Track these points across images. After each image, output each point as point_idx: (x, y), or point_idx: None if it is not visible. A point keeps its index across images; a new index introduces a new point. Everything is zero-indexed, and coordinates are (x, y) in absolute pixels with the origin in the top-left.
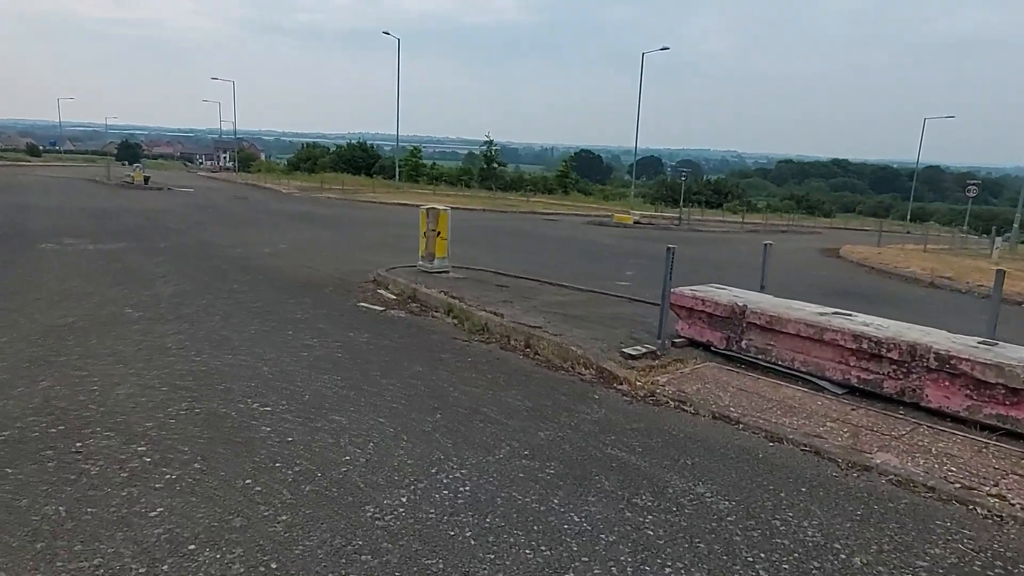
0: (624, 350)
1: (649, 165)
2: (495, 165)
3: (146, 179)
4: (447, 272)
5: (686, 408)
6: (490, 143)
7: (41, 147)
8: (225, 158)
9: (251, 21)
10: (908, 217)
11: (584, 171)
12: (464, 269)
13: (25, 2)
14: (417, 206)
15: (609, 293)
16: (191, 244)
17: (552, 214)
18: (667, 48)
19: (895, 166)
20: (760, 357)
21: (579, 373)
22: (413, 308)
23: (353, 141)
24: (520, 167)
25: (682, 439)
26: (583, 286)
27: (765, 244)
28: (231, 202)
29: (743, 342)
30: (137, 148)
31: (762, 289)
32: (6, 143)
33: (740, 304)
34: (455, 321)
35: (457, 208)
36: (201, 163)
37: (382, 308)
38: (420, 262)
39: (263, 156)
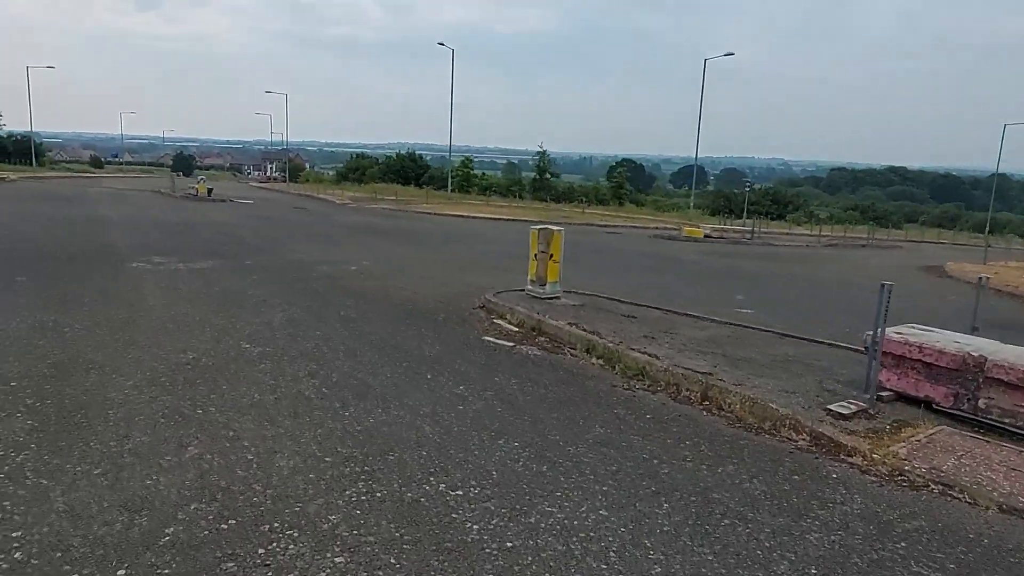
0: (830, 407)
1: (692, 174)
2: (548, 175)
3: (209, 191)
4: (558, 298)
5: (956, 495)
6: (543, 153)
7: (103, 159)
8: (272, 168)
9: (290, 36)
10: (987, 229)
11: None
12: (574, 294)
13: (85, 21)
14: (474, 217)
15: (754, 327)
16: (276, 262)
17: (612, 226)
18: (731, 54)
19: (954, 173)
20: (1007, 422)
21: (788, 438)
22: (543, 343)
23: (402, 152)
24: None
25: (992, 550)
26: (714, 316)
27: (980, 278)
28: (293, 214)
29: (979, 401)
30: (190, 160)
31: (974, 331)
32: (70, 155)
33: (975, 354)
34: (602, 362)
35: (514, 220)
36: (250, 173)
37: (511, 344)
38: (529, 286)
39: (308, 166)
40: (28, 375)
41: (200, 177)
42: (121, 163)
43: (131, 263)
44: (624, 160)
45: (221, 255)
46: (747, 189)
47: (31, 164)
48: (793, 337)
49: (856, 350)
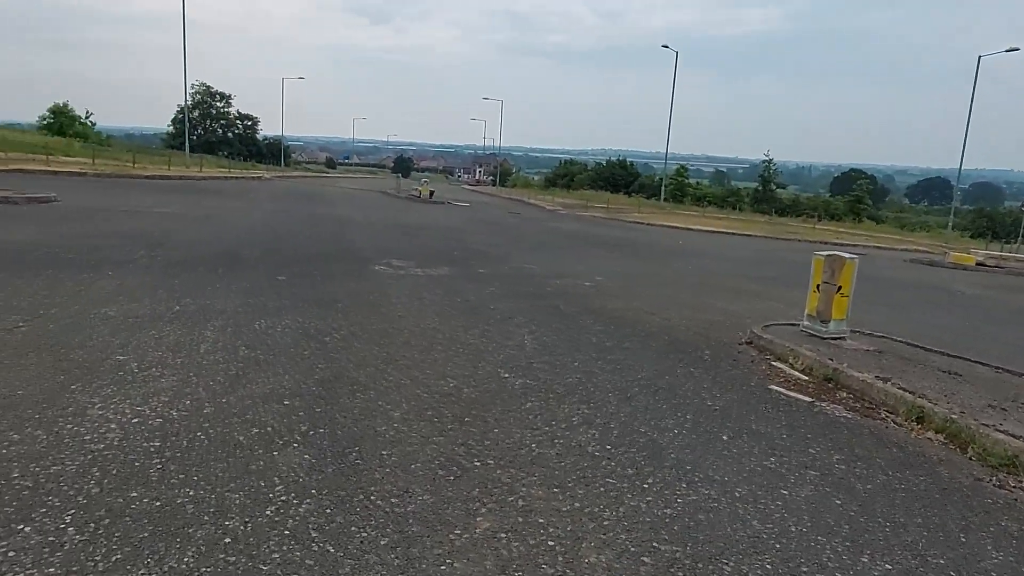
0: None
1: (934, 187)
2: (772, 186)
3: (431, 193)
4: (844, 338)
5: None
6: (768, 162)
7: (335, 160)
8: (482, 172)
9: (506, 45)
10: None
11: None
12: (862, 335)
13: (328, 37)
14: (691, 230)
15: None
16: (509, 272)
17: (852, 246)
18: (1016, 49)
19: None
20: None
21: None
22: (847, 401)
23: (612, 158)
24: (786, 188)
25: None
26: None
27: None
28: (510, 218)
29: None
30: (408, 162)
31: None
32: (309, 156)
33: None
34: (943, 438)
35: (736, 234)
36: (459, 176)
37: (808, 399)
38: (805, 321)
39: (514, 170)
40: (299, 393)
41: (423, 179)
42: (350, 164)
43: (374, 265)
44: (852, 170)
45: (454, 261)
46: None
47: (279, 164)
48: None
49: None
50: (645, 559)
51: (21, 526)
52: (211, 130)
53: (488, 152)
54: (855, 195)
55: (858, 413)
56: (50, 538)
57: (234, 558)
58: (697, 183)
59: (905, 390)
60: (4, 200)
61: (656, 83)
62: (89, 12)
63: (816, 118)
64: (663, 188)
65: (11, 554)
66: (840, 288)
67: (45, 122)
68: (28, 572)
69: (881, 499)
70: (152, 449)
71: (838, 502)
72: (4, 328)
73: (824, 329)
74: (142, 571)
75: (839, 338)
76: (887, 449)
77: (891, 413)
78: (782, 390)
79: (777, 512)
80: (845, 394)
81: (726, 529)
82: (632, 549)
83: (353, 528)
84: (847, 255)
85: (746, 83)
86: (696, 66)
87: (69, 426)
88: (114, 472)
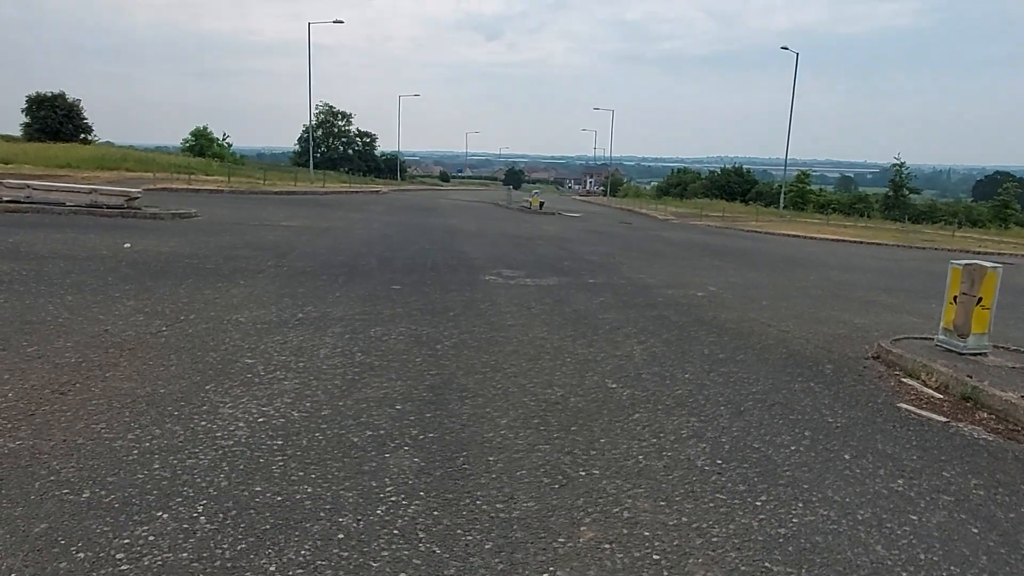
0: None
1: None
2: (905, 192)
3: (541, 204)
4: (985, 354)
5: None
6: (900, 166)
7: (449, 173)
8: (592, 182)
9: (618, 54)
10: None
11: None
12: (1006, 351)
13: (445, 55)
14: (812, 238)
15: None
16: (618, 282)
17: (995, 255)
18: None
19: None
20: None
21: None
22: (988, 422)
23: (726, 166)
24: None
25: None
26: None
27: None
28: (620, 228)
29: None
30: (520, 174)
31: None
32: (423, 170)
33: None
34: None
35: (863, 242)
36: (570, 187)
37: (942, 418)
38: (940, 335)
39: (625, 180)
40: (410, 397)
41: (534, 191)
42: (463, 177)
43: (484, 276)
44: (998, 173)
45: (563, 271)
46: None
47: (396, 178)
48: None
49: None
50: None
51: (160, 513)
52: (333, 147)
53: (599, 163)
54: (1001, 200)
55: (1000, 435)
56: (184, 525)
57: (346, 553)
58: (820, 189)
59: None
60: (153, 216)
61: (775, 87)
62: (228, 43)
63: (957, 117)
64: (782, 195)
65: (151, 538)
66: (981, 300)
67: (188, 144)
68: (164, 556)
69: None
70: (275, 447)
71: (975, 531)
72: (150, 333)
73: (962, 344)
74: (263, 561)
75: (979, 354)
76: None
77: None
78: (913, 408)
79: (904, 538)
80: (985, 414)
81: (846, 553)
82: (742, 568)
83: (459, 531)
84: (989, 264)
85: (876, 82)
86: (820, 67)
87: (203, 423)
88: (241, 467)
